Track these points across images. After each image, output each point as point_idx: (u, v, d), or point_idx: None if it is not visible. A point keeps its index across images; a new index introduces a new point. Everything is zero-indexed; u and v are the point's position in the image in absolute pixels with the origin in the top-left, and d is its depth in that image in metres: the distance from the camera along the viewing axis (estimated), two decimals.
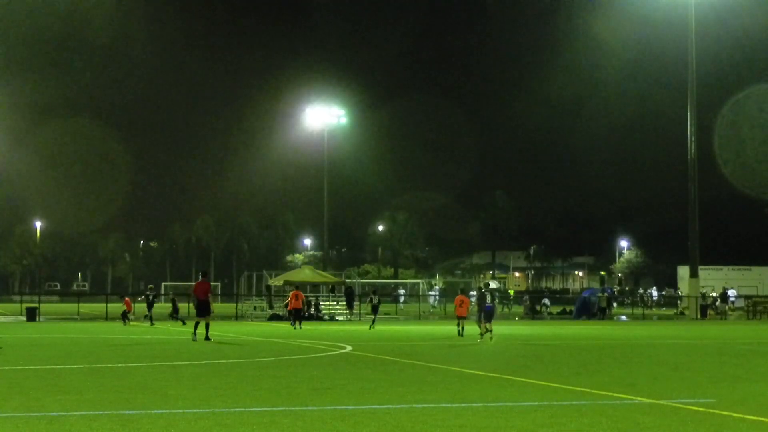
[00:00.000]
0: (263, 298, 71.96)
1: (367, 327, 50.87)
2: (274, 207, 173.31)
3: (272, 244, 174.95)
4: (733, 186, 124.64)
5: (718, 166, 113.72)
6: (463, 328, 41.57)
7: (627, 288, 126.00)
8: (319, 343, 35.70)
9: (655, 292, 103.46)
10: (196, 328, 37.31)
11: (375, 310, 53.36)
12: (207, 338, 36.19)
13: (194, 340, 36.08)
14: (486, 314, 38.68)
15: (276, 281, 71.27)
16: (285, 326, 52.68)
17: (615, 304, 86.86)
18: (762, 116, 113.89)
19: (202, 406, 16.65)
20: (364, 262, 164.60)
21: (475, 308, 40.12)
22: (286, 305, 56.15)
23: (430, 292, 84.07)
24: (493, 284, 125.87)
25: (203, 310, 37.47)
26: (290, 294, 54.59)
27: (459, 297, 43.49)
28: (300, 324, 50.58)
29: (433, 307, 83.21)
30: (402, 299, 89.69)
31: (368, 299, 56.38)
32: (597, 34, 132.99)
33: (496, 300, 46.90)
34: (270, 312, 66.01)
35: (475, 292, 42.82)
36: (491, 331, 38.62)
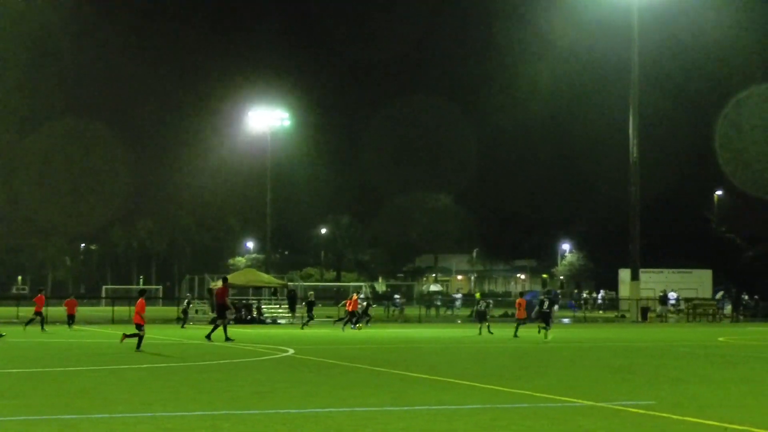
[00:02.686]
0: (205, 301, 71.53)
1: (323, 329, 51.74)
2: (217, 210, 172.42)
3: (214, 247, 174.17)
4: (673, 189, 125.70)
5: (658, 169, 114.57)
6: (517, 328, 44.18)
7: (575, 291, 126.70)
8: (261, 346, 35.60)
9: (600, 295, 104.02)
10: (225, 330, 38.51)
11: (365, 313, 53.88)
12: (227, 339, 37.58)
13: (228, 340, 37.51)
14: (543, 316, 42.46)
15: (218, 284, 70.88)
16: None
17: (557, 307, 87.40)
18: (763, 116, 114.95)
19: (142, 410, 16.54)
20: (307, 265, 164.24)
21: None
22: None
23: (361, 296, 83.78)
24: (435, 287, 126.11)
25: (220, 313, 39.59)
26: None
27: (519, 300, 47.52)
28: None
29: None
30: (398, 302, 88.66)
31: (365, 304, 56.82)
32: (540, 37, 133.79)
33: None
34: (212, 315, 65.64)
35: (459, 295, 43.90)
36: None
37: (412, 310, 77.87)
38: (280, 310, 71.06)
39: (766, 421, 15.76)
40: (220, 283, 69.67)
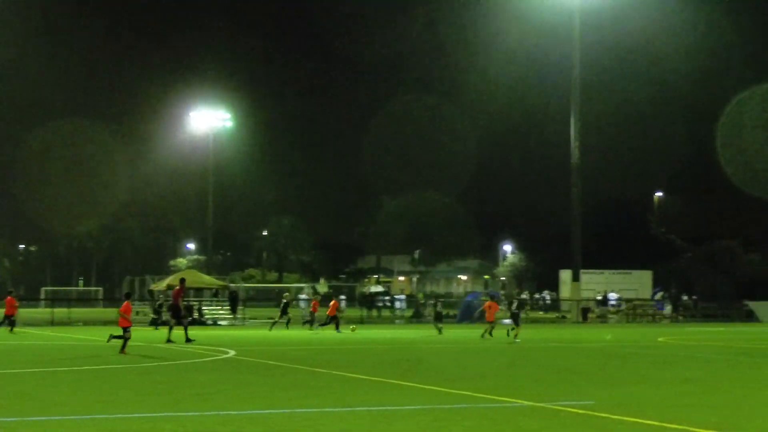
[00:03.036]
0: (145, 302, 71.13)
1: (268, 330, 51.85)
2: (158, 211, 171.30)
3: (156, 248, 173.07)
4: (613, 191, 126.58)
5: (599, 171, 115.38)
6: (489, 331, 43.88)
7: (517, 293, 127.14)
8: (202, 348, 35.44)
9: (547, 296, 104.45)
10: (170, 331, 38.96)
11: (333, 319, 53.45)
12: (188, 340, 37.80)
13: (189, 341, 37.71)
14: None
15: (159, 285, 70.49)
16: (167, 331, 52.23)
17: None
18: (764, 116, 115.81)
19: (82, 412, 16.42)
20: (249, 267, 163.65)
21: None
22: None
23: (302, 297, 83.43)
24: (377, 288, 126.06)
25: (175, 314, 39.80)
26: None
27: (488, 303, 46.82)
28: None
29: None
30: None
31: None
32: (481, 40, 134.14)
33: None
34: (153, 317, 65.24)
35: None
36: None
37: (353, 311, 77.77)
38: (221, 312, 70.70)
39: (704, 420, 15.90)
40: (163, 285, 69.75)
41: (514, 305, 45.32)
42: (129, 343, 31.18)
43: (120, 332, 31.49)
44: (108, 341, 31.99)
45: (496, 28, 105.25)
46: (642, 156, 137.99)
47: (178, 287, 41.77)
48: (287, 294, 61.99)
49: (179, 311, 39.97)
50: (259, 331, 51.01)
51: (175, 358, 30.39)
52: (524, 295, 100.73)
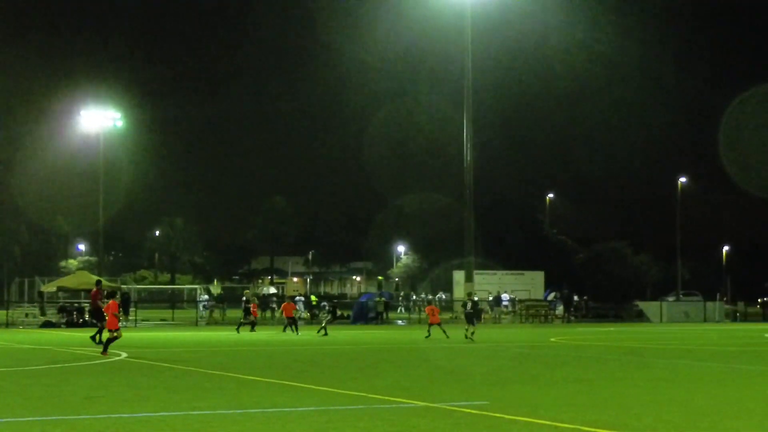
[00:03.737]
0: (35, 304, 70.05)
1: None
2: (47, 212, 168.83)
3: (45, 250, 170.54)
4: (507, 192, 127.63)
5: (492, 172, 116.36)
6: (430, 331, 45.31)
7: (408, 293, 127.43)
8: (94, 350, 34.99)
9: (443, 296, 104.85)
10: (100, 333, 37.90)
11: (293, 322, 52.71)
12: (99, 342, 36.79)
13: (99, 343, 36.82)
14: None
15: (49, 287, 69.48)
16: (57, 333, 51.64)
17: (399, 308, 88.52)
18: (765, 116, 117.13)
19: None
20: (141, 268, 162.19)
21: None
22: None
23: (201, 298, 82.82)
24: (271, 290, 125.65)
25: (97, 316, 39.30)
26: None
27: (430, 307, 48.90)
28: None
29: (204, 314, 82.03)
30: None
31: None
32: (372, 42, 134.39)
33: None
34: (43, 319, 64.26)
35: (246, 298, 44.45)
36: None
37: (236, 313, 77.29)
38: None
39: (596, 419, 16.05)
40: (53, 287, 68.74)
41: (468, 306, 46.30)
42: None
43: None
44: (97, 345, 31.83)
45: (386, 29, 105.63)
46: (535, 158, 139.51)
47: (95, 289, 41.35)
48: (247, 292, 61.09)
49: (101, 313, 39.51)
50: (151, 333, 50.50)
51: (65, 361, 29.95)
52: (414, 297, 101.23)
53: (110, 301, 32.65)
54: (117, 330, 31.37)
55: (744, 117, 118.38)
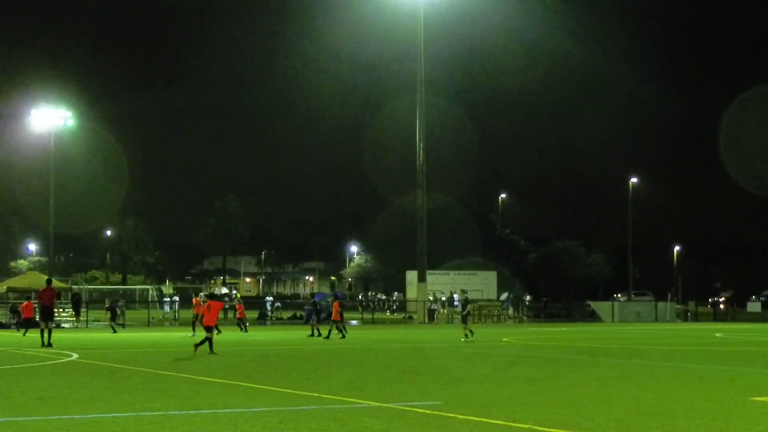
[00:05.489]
0: None
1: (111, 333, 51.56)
2: None
3: None
4: (459, 192, 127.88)
5: (445, 173, 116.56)
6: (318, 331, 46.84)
7: (370, 293, 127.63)
8: (44, 351, 34.76)
9: (395, 296, 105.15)
10: (42, 334, 37.85)
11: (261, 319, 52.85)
12: (48, 344, 36.94)
13: (43, 346, 36.85)
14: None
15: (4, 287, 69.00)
16: (8, 334, 51.31)
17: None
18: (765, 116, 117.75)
19: None
20: (92, 268, 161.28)
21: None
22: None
23: (165, 299, 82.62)
24: (223, 290, 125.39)
25: (47, 316, 38.66)
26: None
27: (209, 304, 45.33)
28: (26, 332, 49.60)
29: (166, 313, 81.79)
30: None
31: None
32: (326, 46, 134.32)
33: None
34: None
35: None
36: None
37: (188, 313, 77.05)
38: (63, 314, 69.42)
39: (548, 418, 16.11)
40: (3, 288, 68.21)
41: (466, 306, 47.43)
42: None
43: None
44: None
45: (344, 35, 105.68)
46: (486, 157, 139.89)
47: (46, 288, 41.13)
48: (203, 294, 60.92)
49: (51, 312, 39.53)
50: (102, 334, 50.23)
51: (15, 362, 29.73)
52: (380, 294, 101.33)
53: (211, 302, 33.72)
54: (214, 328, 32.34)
55: (744, 117, 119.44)
